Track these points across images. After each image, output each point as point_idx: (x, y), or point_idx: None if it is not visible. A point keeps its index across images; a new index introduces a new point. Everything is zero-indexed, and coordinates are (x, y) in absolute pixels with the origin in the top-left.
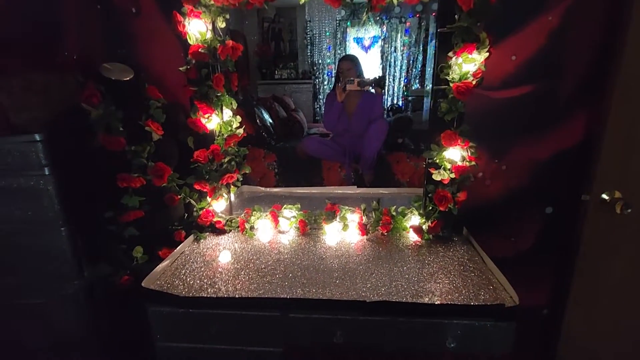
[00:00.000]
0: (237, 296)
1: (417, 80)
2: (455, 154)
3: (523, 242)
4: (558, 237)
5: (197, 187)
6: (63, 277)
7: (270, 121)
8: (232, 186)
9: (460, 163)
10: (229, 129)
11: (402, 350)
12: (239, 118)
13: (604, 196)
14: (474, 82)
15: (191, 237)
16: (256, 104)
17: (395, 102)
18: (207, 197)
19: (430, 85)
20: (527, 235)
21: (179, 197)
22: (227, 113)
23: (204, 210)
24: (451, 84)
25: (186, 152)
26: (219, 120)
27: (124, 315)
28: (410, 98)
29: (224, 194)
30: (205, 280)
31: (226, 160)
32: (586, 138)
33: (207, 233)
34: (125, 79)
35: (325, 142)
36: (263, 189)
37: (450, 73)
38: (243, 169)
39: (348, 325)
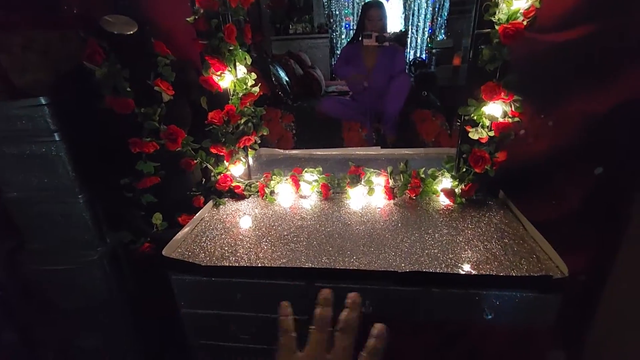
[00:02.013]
0: (259, 265)
1: (442, 31)
2: (496, 109)
3: (565, 205)
4: (607, 200)
5: (213, 150)
6: (86, 244)
7: (287, 79)
8: (250, 149)
9: (501, 119)
10: (244, 87)
11: (434, 320)
12: (254, 75)
13: None
14: (525, 23)
15: (210, 203)
16: (271, 61)
17: (418, 55)
18: (225, 162)
19: (472, 29)
20: (571, 198)
21: (195, 162)
22: (241, 70)
23: (222, 175)
24: (497, 27)
25: (200, 114)
26: (233, 77)
27: (149, 281)
28: (434, 51)
29: (242, 158)
30: (226, 248)
31: (242, 121)
32: None
33: (226, 198)
34: (128, 33)
35: (344, 101)
36: (282, 151)
37: (497, 12)
38: (261, 130)
39: (377, 295)
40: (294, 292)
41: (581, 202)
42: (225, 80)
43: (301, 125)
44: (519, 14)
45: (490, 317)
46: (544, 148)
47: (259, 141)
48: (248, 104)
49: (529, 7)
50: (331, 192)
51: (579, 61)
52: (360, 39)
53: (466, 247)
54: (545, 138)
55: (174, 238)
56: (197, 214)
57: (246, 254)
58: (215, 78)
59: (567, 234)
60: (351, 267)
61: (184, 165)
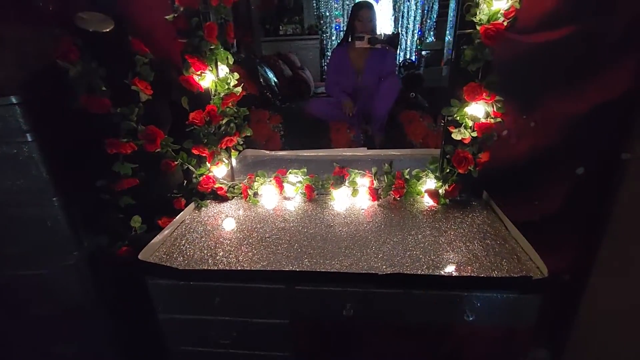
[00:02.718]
0: (238, 269)
1: (431, 33)
2: (478, 110)
3: (548, 206)
4: (588, 200)
5: (195, 152)
6: (62, 248)
7: (275, 80)
8: (233, 150)
9: (483, 120)
10: (226, 86)
11: (416, 323)
12: (236, 75)
13: None
14: (505, 23)
15: (192, 205)
16: (259, 62)
17: (407, 57)
18: (207, 163)
19: (451, 33)
20: (553, 198)
21: (176, 163)
22: (223, 69)
23: (204, 176)
24: (478, 27)
25: (181, 114)
26: (214, 77)
27: (128, 285)
28: (424, 53)
29: (224, 159)
30: (205, 251)
31: (224, 121)
32: (634, 89)
33: (209, 200)
34: (104, 30)
35: (332, 102)
36: (267, 152)
37: (478, 13)
38: (244, 131)
39: (358, 298)
40: (274, 295)
41: (563, 202)
42: (206, 79)
43: (289, 127)
44: (499, 15)
45: (471, 319)
46: (526, 149)
47: (243, 142)
48: (230, 104)
49: (509, 8)
50: (315, 194)
51: (560, 62)
52: (350, 40)
53: (448, 249)
54: (528, 139)
55: (151, 241)
56: (177, 217)
57: (226, 257)
58: (195, 77)
59: (548, 234)
60: (332, 270)
61: (164, 167)
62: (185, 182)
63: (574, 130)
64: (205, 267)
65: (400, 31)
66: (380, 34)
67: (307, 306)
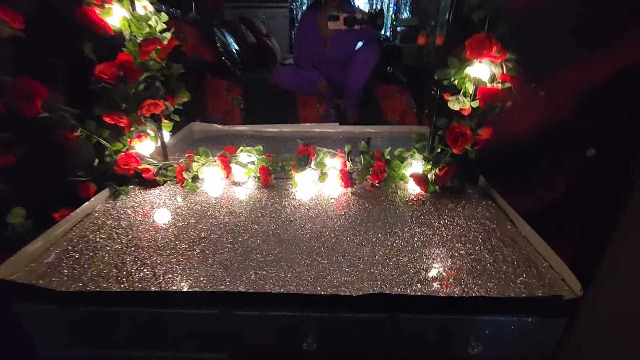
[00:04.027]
0: (150, 289)
1: (407, 9)
2: (483, 71)
3: (551, 193)
4: (598, 188)
5: (108, 120)
6: None
7: (236, 47)
8: (165, 121)
9: (489, 85)
10: (146, 29)
11: (402, 355)
12: (164, 16)
13: None
14: None
15: (105, 192)
16: (217, 25)
17: (383, 32)
18: (127, 137)
19: None
20: (558, 184)
21: (77, 134)
22: (145, 5)
23: (123, 153)
24: None
25: (87, 68)
26: (126, 12)
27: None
28: (399, 29)
29: (150, 131)
30: (112, 259)
31: (142, 78)
32: None
33: (131, 186)
34: None
35: (300, 73)
36: (219, 126)
37: None
38: (179, 95)
39: (324, 326)
40: (205, 323)
41: (569, 190)
42: (114, 15)
43: (250, 99)
44: None
45: (476, 351)
46: (531, 125)
47: (172, 108)
48: (153, 53)
49: None
50: (272, 178)
51: (580, 17)
52: (323, 3)
53: (443, 253)
54: (535, 112)
55: (24, 248)
56: (79, 208)
57: (136, 270)
58: (97, 11)
59: (552, 226)
60: (285, 291)
61: (61, 140)
62: (98, 161)
63: (588, 101)
64: (105, 285)
65: (383, 8)
66: (360, 12)
67: (252, 337)
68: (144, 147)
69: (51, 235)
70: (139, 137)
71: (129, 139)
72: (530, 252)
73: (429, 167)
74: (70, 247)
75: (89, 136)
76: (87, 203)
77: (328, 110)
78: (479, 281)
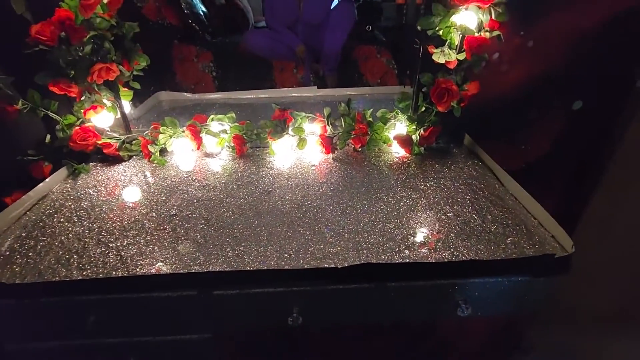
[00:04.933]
0: (111, 275)
1: None
2: (470, 19)
3: (536, 149)
4: (583, 140)
5: (54, 89)
6: None
7: (203, 9)
8: (123, 89)
9: (476, 34)
10: None
11: (390, 323)
12: None
13: None
14: None
15: (62, 172)
16: None
17: None
18: (82, 109)
19: None
20: (544, 139)
21: (18, 107)
22: None
23: (77, 127)
24: None
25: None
26: None
27: None
28: None
29: (107, 101)
30: (72, 245)
31: (87, 38)
32: None
33: (93, 164)
34: None
35: (275, 36)
36: (189, 95)
37: None
38: (135, 57)
39: (309, 300)
40: (180, 305)
41: (555, 145)
42: None
43: (223, 66)
44: None
45: (466, 313)
46: (518, 78)
47: (128, 74)
48: (99, 10)
49: None
50: (248, 147)
51: None
52: None
53: (431, 217)
54: (523, 64)
55: None
56: (33, 190)
57: (100, 255)
58: None
59: (539, 182)
60: (264, 268)
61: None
62: (50, 137)
63: (577, 51)
64: (65, 274)
65: None
66: None
67: (235, 316)
68: (101, 119)
69: (2, 221)
70: (93, 108)
71: (82, 111)
72: (519, 211)
73: (413, 127)
74: (24, 234)
75: (34, 109)
76: (42, 184)
77: (306, 75)
78: (468, 244)
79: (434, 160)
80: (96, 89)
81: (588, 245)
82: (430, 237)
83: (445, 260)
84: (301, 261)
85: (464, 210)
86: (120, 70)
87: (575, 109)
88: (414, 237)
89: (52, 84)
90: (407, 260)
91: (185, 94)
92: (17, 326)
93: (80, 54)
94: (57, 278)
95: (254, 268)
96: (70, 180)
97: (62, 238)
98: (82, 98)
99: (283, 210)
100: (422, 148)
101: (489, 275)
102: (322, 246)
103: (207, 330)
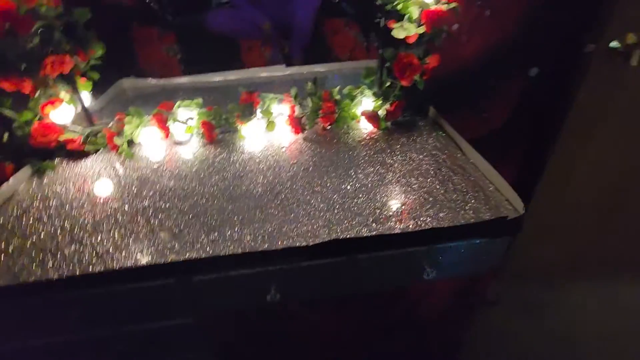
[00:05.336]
0: (88, 272)
1: None
2: None
3: (496, 116)
4: (540, 104)
5: (4, 85)
6: None
7: None
8: (81, 79)
9: (434, 6)
10: None
11: (361, 291)
12: None
13: (615, 44)
14: None
15: (26, 171)
16: None
17: None
18: (34, 103)
19: None
20: (502, 107)
21: None
22: None
23: (38, 123)
24: None
25: None
26: None
27: None
28: None
29: (65, 94)
30: (44, 245)
31: (35, 28)
32: None
33: (58, 159)
34: None
35: (239, 14)
36: (154, 81)
37: None
38: (92, 47)
39: (284, 278)
40: (160, 294)
41: (512, 109)
42: None
43: (187, 47)
44: None
45: (431, 277)
46: (477, 48)
47: (84, 65)
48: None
49: None
50: (217, 133)
51: None
52: None
53: (397, 189)
54: (481, 34)
55: None
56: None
57: (74, 252)
58: None
59: (497, 147)
60: (239, 251)
61: None
62: (8, 135)
63: (529, 19)
64: (41, 273)
65: None
66: None
67: (215, 299)
68: (61, 113)
69: None
70: (51, 102)
71: (39, 107)
72: (478, 178)
73: (380, 103)
74: None
75: None
76: (4, 185)
77: (275, 53)
78: (431, 212)
79: (401, 134)
80: (50, 83)
81: (546, 203)
82: (396, 209)
83: (410, 230)
84: (275, 241)
85: (428, 181)
86: (75, 61)
87: (532, 76)
88: (381, 210)
89: (3, 79)
90: (374, 232)
91: (150, 80)
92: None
93: (30, 46)
94: (32, 278)
95: (229, 253)
96: (35, 179)
97: (34, 238)
98: (38, 93)
99: (255, 193)
100: (389, 123)
101: (451, 240)
102: (294, 226)
103: (188, 315)
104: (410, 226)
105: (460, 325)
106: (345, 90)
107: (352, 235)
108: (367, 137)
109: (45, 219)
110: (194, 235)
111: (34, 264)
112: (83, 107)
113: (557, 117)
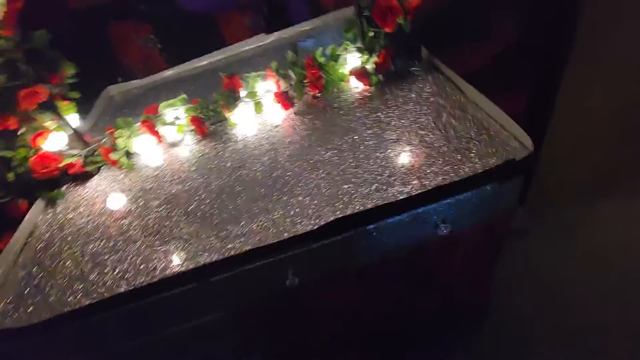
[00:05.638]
0: (115, 292)
1: None
2: None
3: (496, 45)
4: (544, 27)
5: None
6: None
7: None
8: (63, 102)
9: None
10: None
11: (377, 259)
12: None
13: None
14: None
15: (40, 203)
16: None
17: None
18: (28, 138)
19: None
20: (503, 35)
21: None
22: None
23: (35, 157)
24: None
25: None
26: None
27: None
28: None
29: (51, 123)
30: (71, 273)
31: None
32: None
33: (65, 186)
34: None
35: None
36: (139, 81)
37: None
38: (61, 67)
39: (299, 262)
40: (185, 298)
41: (514, 35)
42: None
43: (165, 36)
44: None
45: (445, 231)
46: None
47: (56, 87)
48: None
49: None
50: (209, 125)
51: None
52: None
53: (397, 149)
54: None
55: None
56: (18, 230)
57: (99, 275)
58: None
59: (500, 76)
60: (249, 247)
61: None
62: (12, 175)
63: None
64: (74, 301)
65: None
66: None
67: (237, 293)
68: (54, 142)
69: (1, 267)
70: (39, 134)
71: (30, 140)
72: (482, 118)
73: (366, 57)
74: (24, 274)
75: None
76: (24, 222)
77: (255, 19)
78: (435, 168)
79: (395, 86)
80: (33, 116)
81: (566, 121)
82: (398, 172)
83: (414, 193)
84: (282, 230)
85: (429, 133)
86: (49, 89)
87: None
88: (383, 176)
89: None
90: (379, 202)
91: (135, 81)
92: (49, 356)
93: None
94: (68, 308)
95: (239, 251)
96: (50, 210)
97: (60, 269)
98: (23, 129)
99: (257, 181)
100: (381, 76)
101: (460, 192)
102: (298, 209)
103: (219, 310)
104: (415, 187)
105: (489, 265)
106: (328, 51)
107: (356, 210)
108: (361, 98)
109: (65, 248)
110: (204, 239)
111: (66, 293)
112: (73, 130)
113: (567, 26)
